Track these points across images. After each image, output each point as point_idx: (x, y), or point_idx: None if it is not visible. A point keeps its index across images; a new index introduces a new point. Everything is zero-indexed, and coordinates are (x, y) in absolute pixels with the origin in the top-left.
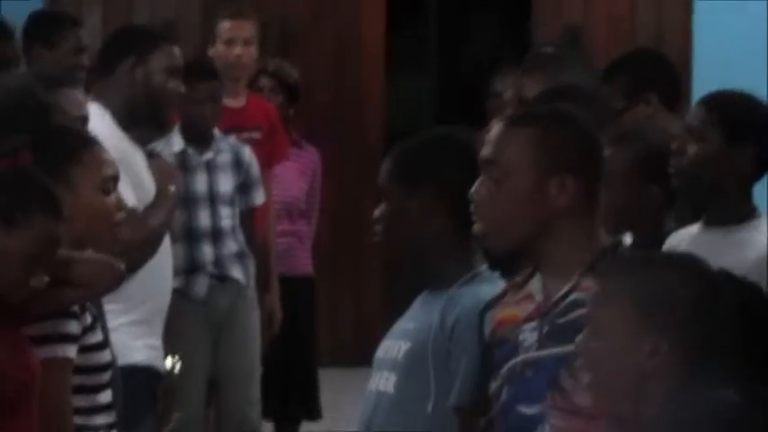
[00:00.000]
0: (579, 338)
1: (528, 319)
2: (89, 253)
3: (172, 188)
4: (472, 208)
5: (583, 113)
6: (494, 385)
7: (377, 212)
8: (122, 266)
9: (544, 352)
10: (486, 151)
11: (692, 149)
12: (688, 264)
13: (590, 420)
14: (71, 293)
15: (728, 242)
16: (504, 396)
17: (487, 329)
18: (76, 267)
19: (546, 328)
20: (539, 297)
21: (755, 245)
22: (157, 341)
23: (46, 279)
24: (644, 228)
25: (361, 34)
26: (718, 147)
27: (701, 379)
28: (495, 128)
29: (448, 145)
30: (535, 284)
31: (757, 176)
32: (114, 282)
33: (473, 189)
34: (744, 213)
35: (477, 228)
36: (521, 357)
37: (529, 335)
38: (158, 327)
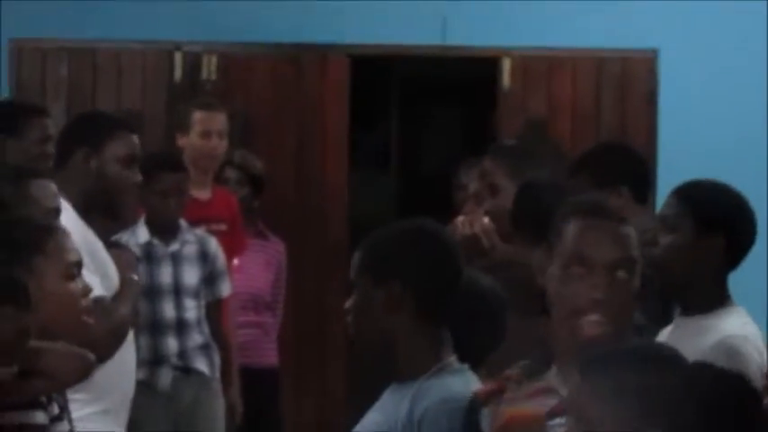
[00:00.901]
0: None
1: (553, 414)
2: (59, 344)
3: (135, 277)
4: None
5: None
6: None
7: (347, 304)
8: (92, 357)
9: None
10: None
11: (665, 240)
12: (663, 353)
13: None
14: (40, 384)
15: (694, 329)
16: None
17: (487, 425)
18: (45, 357)
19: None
20: (563, 391)
21: (716, 331)
22: (122, 431)
23: (15, 369)
24: None
25: (325, 129)
26: (691, 237)
27: None
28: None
29: (415, 238)
30: (554, 377)
31: (731, 266)
32: (84, 372)
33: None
34: (715, 302)
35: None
36: None
37: (558, 430)
38: (123, 417)
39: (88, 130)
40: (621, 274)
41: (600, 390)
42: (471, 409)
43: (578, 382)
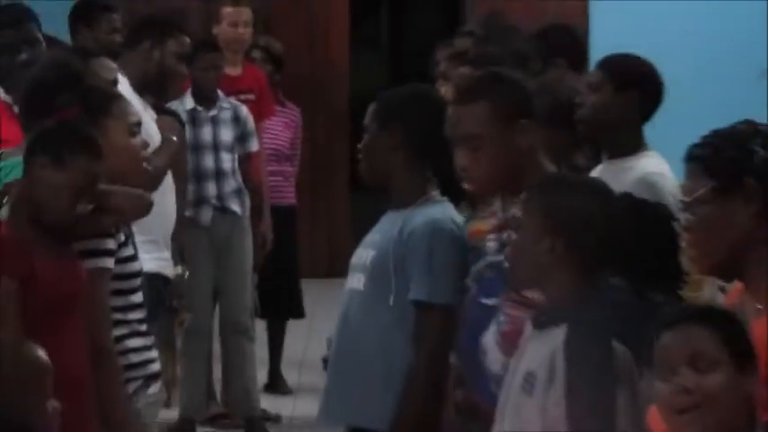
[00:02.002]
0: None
1: (491, 231)
2: (123, 187)
3: (174, 138)
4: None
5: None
6: (468, 283)
7: (360, 145)
8: (150, 197)
9: (501, 257)
10: (456, 130)
11: (589, 99)
12: (589, 184)
13: (533, 308)
14: (109, 218)
15: (617, 169)
16: (472, 291)
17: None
18: (113, 198)
19: (504, 238)
20: (500, 215)
21: (635, 170)
22: (165, 255)
23: (89, 207)
24: (558, 163)
25: (330, 18)
26: (609, 94)
27: (594, 275)
28: (452, 109)
29: (414, 96)
30: (498, 205)
31: (645, 118)
32: (143, 209)
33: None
34: (635, 147)
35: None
36: (485, 261)
37: (492, 243)
38: (164, 245)
39: (155, 27)
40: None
41: (536, 205)
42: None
43: (522, 201)
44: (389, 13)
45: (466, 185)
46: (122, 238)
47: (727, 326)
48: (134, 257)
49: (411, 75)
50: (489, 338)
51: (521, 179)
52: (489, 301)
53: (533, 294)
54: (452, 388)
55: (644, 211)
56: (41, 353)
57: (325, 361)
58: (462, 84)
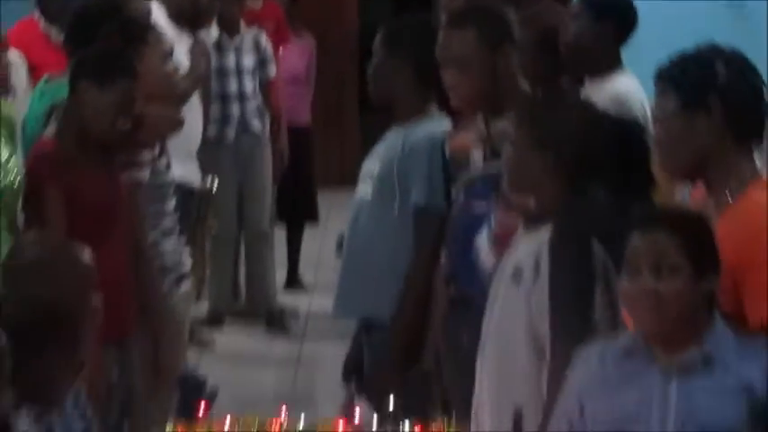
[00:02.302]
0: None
1: (474, 144)
2: (158, 107)
3: (201, 64)
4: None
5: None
6: (454, 191)
7: (368, 71)
8: (182, 115)
9: (488, 166)
10: (446, 52)
11: (570, 28)
12: (574, 103)
13: (522, 213)
14: (144, 134)
15: (595, 89)
16: (461, 198)
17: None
18: (149, 116)
19: (488, 150)
20: (481, 128)
21: (609, 90)
22: (192, 168)
23: (128, 124)
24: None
25: None
26: (588, 23)
27: (578, 184)
28: (443, 33)
29: (420, 25)
30: (480, 121)
31: (620, 42)
32: (176, 126)
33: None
34: (610, 68)
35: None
36: (473, 170)
37: (478, 153)
38: (191, 159)
39: None
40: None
41: (528, 121)
42: (442, 142)
43: (516, 116)
44: None
45: (452, 102)
46: (157, 150)
47: (692, 232)
48: (167, 169)
49: (414, 4)
50: (482, 240)
51: (501, 99)
52: (480, 207)
53: (523, 200)
54: (445, 284)
55: (620, 127)
56: (87, 253)
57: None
58: (453, 11)
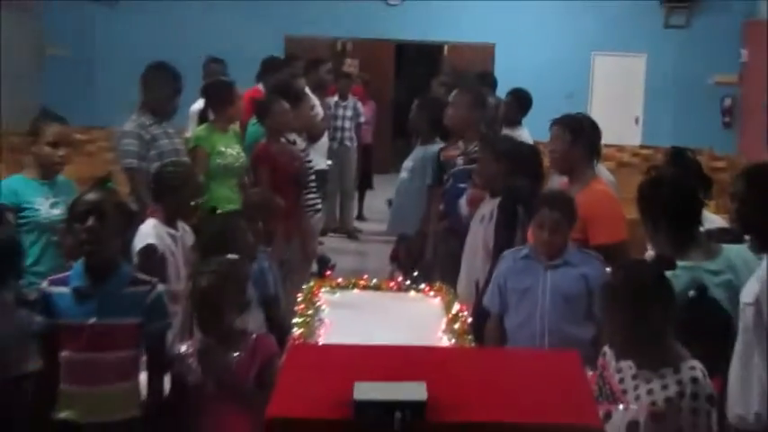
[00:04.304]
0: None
1: (458, 155)
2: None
3: (327, 115)
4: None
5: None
6: (445, 178)
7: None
8: (322, 131)
9: (466, 166)
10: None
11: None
12: (510, 138)
13: (485, 190)
14: (312, 138)
15: (513, 136)
16: (450, 181)
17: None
18: (316, 130)
19: (466, 158)
20: (461, 146)
21: (516, 134)
22: (322, 160)
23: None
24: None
25: None
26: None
27: (515, 178)
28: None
29: (432, 102)
30: (460, 143)
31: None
32: (320, 136)
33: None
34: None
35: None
36: (456, 167)
37: (460, 160)
38: (324, 156)
39: (317, 63)
40: None
41: (489, 147)
42: (438, 154)
43: (480, 144)
44: None
45: (447, 125)
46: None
47: (566, 206)
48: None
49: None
50: (462, 201)
51: (472, 132)
52: (461, 186)
53: (484, 183)
54: (441, 221)
55: (529, 149)
56: (278, 199)
57: (390, 202)
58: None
